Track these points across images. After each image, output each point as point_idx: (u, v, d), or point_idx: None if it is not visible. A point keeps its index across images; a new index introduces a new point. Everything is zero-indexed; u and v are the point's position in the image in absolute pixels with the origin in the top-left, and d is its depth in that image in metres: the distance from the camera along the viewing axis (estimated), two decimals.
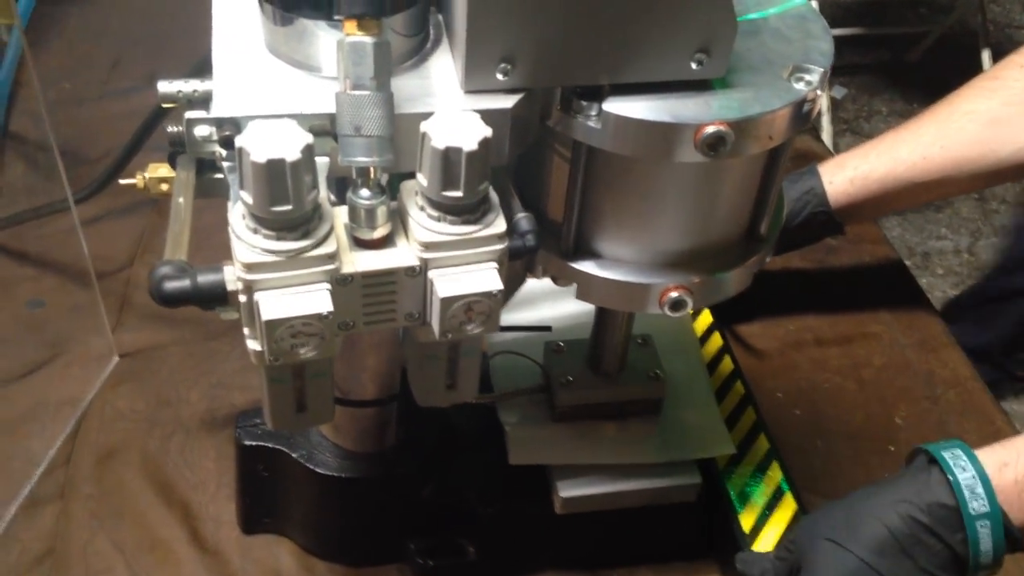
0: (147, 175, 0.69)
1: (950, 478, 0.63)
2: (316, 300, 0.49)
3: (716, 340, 0.93)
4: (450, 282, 0.51)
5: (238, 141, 0.46)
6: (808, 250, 1.03)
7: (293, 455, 0.76)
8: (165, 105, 0.64)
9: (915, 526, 0.63)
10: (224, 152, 0.51)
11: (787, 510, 0.79)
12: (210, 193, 0.65)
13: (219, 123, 0.50)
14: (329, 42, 0.53)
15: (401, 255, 0.51)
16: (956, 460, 0.64)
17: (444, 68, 0.55)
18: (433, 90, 0.53)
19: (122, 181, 0.72)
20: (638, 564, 0.81)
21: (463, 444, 0.80)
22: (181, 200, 0.61)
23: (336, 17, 0.48)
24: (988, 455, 0.64)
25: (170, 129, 0.56)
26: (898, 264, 1.13)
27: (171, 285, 0.50)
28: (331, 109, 0.51)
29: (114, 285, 1.01)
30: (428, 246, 0.50)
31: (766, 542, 0.77)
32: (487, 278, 0.51)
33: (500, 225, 0.51)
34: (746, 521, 0.78)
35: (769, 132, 0.56)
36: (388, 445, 0.77)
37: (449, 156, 0.48)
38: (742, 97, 0.55)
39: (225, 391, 0.94)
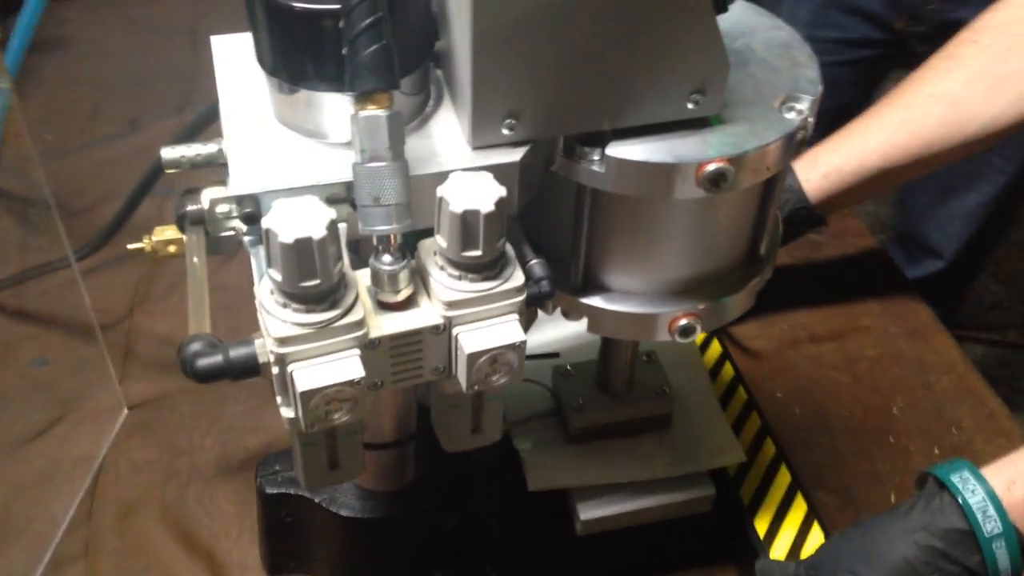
0: (154, 238, 0.70)
1: (961, 502, 0.65)
2: (348, 367, 0.50)
3: (715, 348, 0.95)
4: (475, 338, 0.52)
5: (265, 223, 0.47)
6: (794, 247, 1.05)
7: (316, 500, 0.78)
8: (169, 171, 0.65)
9: (932, 553, 0.65)
10: (245, 227, 0.52)
11: (799, 512, 0.81)
12: (217, 251, 0.66)
13: (239, 200, 0.52)
14: (338, 110, 0.54)
15: (425, 315, 0.52)
16: (965, 484, 0.66)
17: (449, 126, 0.57)
18: (441, 149, 0.55)
19: (130, 247, 0.73)
20: (659, 574, 0.84)
21: (480, 474, 0.81)
22: (196, 260, 0.62)
23: (347, 94, 0.49)
24: (994, 474, 0.66)
25: (190, 208, 0.57)
26: (881, 254, 1.16)
27: (204, 362, 0.51)
28: (346, 177, 0.52)
29: (115, 337, 1.02)
30: (451, 304, 0.52)
31: (782, 545, 0.79)
32: (510, 331, 0.53)
33: (519, 278, 0.53)
34: (761, 526, 0.81)
35: (766, 163, 0.58)
36: (408, 482, 0.78)
37: (467, 219, 0.50)
38: (738, 132, 0.57)
39: (238, 435, 0.95)
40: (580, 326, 0.85)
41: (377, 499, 0.77)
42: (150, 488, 0.90)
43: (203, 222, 0.64)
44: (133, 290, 1.08)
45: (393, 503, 0.77)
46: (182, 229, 0.67)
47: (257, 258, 0.53)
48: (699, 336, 0.94)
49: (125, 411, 0.96)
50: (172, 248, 0.70)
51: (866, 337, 1.05)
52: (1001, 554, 0.64)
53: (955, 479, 0.66)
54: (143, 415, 0.96)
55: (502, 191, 0.50)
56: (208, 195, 0.53)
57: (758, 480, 0.84)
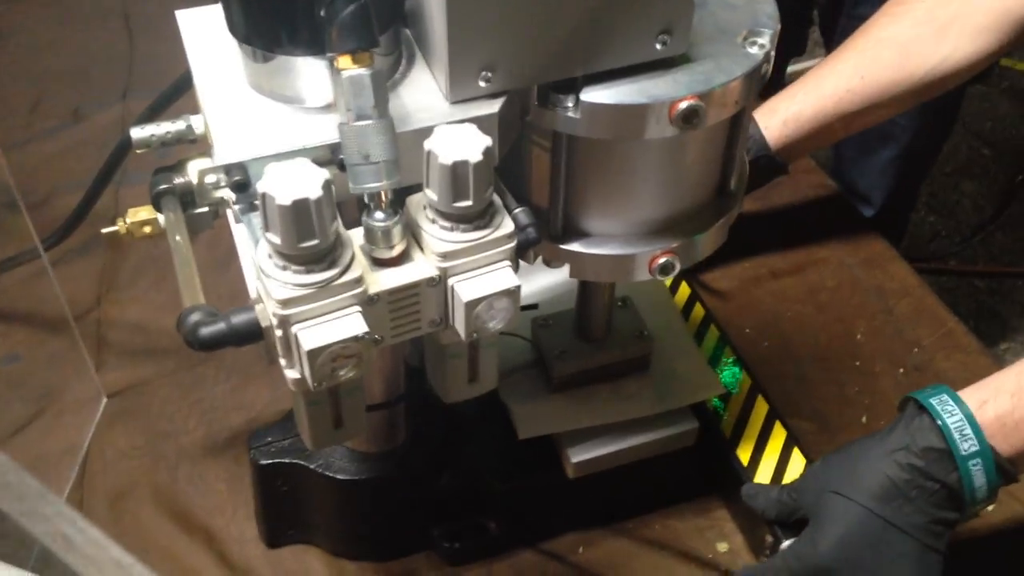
0: (129, 220, 0.69)
1: (939, 423, 0.68)
2: (351, 324, 0.51)
3: (684, 290, 0.98)
4: (470, 286, 0.54)
5: (261, 187, 0.48)
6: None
7: (311, 466, 0.79)
8: (139, 151, 0.65)
9: (912, 471, 0.68)
10: (235, 196, 0.53)
11: (779, 439, 0.84)
12: (194, 230, 0.66)
13: (227, 169, 0.52)
14: (314, 74, 0.55)
15: (420, 268, 0.54)
16: (943, 405, 0.68)
17: (424, 84, 0.57)
18: (419, 106, 0.56)
19: (104, 231, 0.72)
20: (650, 511, 0.86)
21: (469, 430, 0.83)
22: (179, 238, 0.63)
23: (329, 54, 0.50)
24: (969, 395, 0.69)
25: (176, 181, 0.57)
26: (833, 190, 1.19)
27: (207, 331, 0.52)
28: (330, 139, 0.53)
29: (86, 327, 1.01)
30: (445, 256, 0.53)
31: (765, 473, 0.82)
32: (504, 277, 0.54)
33: (508, 225, 0.54)
34: (743, 455, 0.84)
35: (735, 98, 0.60)
36: (400, 442, 0.80)
37: (457, 170, 0.51)
38: (706, 69, 0.59)
39: (221, 414, 0.95)
40: (555, 277, 0.88)
41: (371, 461, 0.79)
42: (139, 473, 0.90)
43: (181, 197, 0.65)
44: (98, 280, 1.07)
45: (387, 463, 0.79)
46: (158, 208, 0.67)
47: (249, 226, 0.53)
48: (668, 280, 0.98)
49: (104, 400, 0.96)
50: (147, 229, 0.70)
51: (825, 269, 1.08)
52: (977, 472, 0.67)
53: (934, 402, 0.69)
54: (123, 403, 0.96)
55: (488, 140, 0.51)
56: (195, 166, 0.53)
57: (737, 412, 0.87)
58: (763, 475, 0.82)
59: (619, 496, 0.85)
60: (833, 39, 1.41)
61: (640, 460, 0.82)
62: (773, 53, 0.62)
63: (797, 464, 0.82)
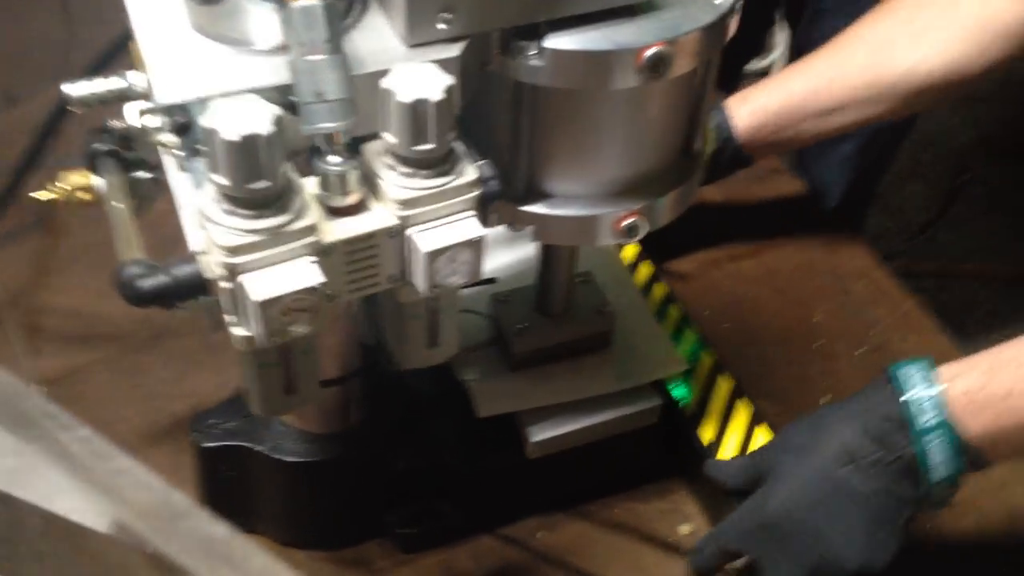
0: (63, 185, 0.66)
1: (900, 393, 0.66)
2: (306, 273, 0.48)
3: (645, 269, 0.96)
4: (432, 236, 0.51)
5: (204, 122, 0.44)
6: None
7: (257, 448, 0.75)
8: (73, 109, 0.61)
9: (869, 439, 0.66)
10: (179, 141, 0.49)
11: (743, 417, 0.82)
12: (132, 195, 0.63)
13: (169, 111, 0.49)
14: (260, 15, 0.52)
15: (379, 217, 0.51)
16: (908, 378, 0.66)
17: (378, 28, 0.54)
18: (375, 49, 0.53)
19: (33, 195, 0.68)
20: (613, 494, 0.84)
21: (426, 409, 0.80)
22: (117, 204, 0.59)
23: None
24: (942, 370, 0.66)
25: (113, 126, 0.53)
26: (790, 177, 1.18)
27: (147, 283, 0.48)
28: (278, 81, 0.50)
29: (19, 314, 0.96)
30: (405, 203, 0.50)
31: (729, 448, 0.80)
32: (468, 226, 0.51)
33: (472, 172, 0.52)
34: (706, 433, 0.81)
35: (704, 46, 0.58)
36: (354, 423, 0.76)
37: (417, 109, 0.48)
38: (673, 16, 0.57)
39: (162, 401, 0.90)
40: (513, 254, 0.85)
41: (323, 442, 0.75)
42: None
43: (119, 155, 0.61)
44: (32, 265, 1.02)
45: (341, 444, 0.75)
46: (94, 169, 0.64)
47: (193, 172, 0.50)
48: (628, 253, 0.96)
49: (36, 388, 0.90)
50: (83, 195, 0.66)
51: (782, 252, 1.07)
52: (934, 447, 0.64)
53: (900, 373, 0.67)
54: (59, 391, 0.91)
55: (449, 79, 0.49)
56: (135, 107, 0.49)
57: (699, 392, 0.85)
58: (726, 454, 0.80)
59: (580, 478, 0.83)
60: (796, 34, 1.40)
61: (601, 440, 0.80)
62: (740, 4, 0.60)
63: (761, 442, 0.80)
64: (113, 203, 0.60)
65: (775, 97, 0.93)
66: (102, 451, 0.32)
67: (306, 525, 0.80)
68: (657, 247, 0.99)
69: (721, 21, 0.58)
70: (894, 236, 2.28)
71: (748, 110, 0.93)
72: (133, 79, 0.58)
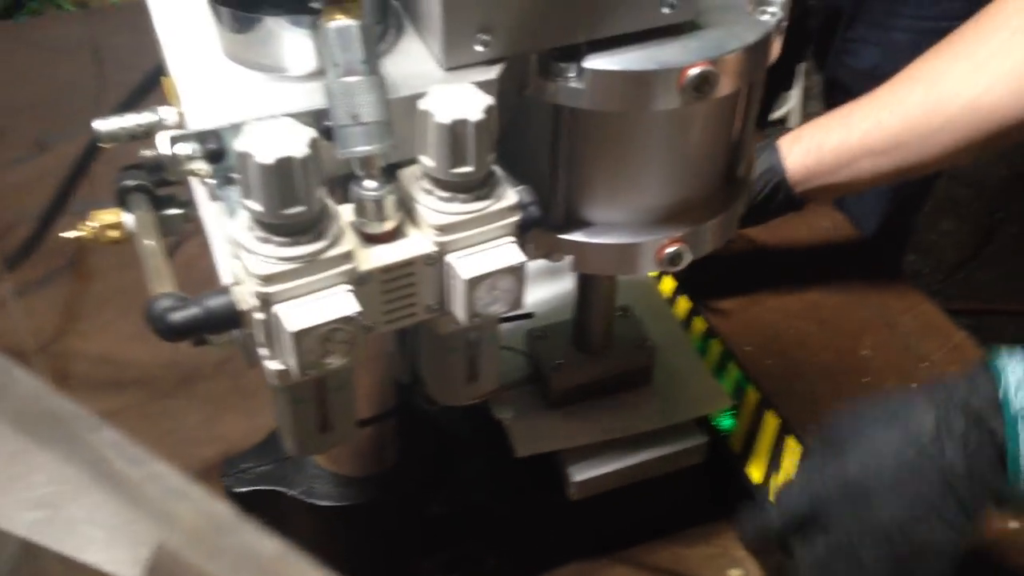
0: (93, 224, 0.64)
1: (996, 376, 0.61)
2: (342, 303, 0.46)
3: (684, 303, 0.93)
4: (472, 263, 0.49)
5: (238, 145, 0.43)
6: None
7: (291, 493, 0.72)
8: (103, 145, 0.60)
9: (960, 414, 0.62)
10: (211, 169, 0.48)
11: (793, 455, 0.79)
12: (165, 233, 0.61)
13: (201, 137, 0.47)
14: (295, 40, 0.50)
15: (417, 244, 0.49)
16: (1007, 359, 0.62)
17: (415, 53, 0.53)
18: (411, 73, 0.51)
19: (64, 235, 0.67)
20: (657, 538, 0.80)
21: (462, 450, 0.77)
22: (148, 241, 0.58)
23: (314, 4, 0.46)
24: None
25: (143, 153, 0.52)
26: (824, 206, 1.15)
27: (179, 316, 0.46)
28: (314, 105, 0.49)
29: (49, 359, 0.95)
30: (444, 229, 0.48)
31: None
32: (508, 252, 0.49)
33: (512, 196, 0.50)
34: (755, 473, 0.78)
35: (749, 66, 0.56)
36: (389, 464, 0.74)
37: (456, 131, 0.46)
38: (716, 35, 0.55)
39: (192, 447, 0.88)
40: (551, 289, 0.83)
41: (356, 485, 0.72)
42: None
43: (150, 192, 0.60)
44: (62, 311, 1.01)
45: (375, 487, 0.73)
46: (124, 206, 0.63)
47: (226, 200, 0.48)
48: (671, 286, 0.94)
49: None
50: (113, 233, 0.65)
51: (827, 286, 1.04)
52: None
53: (999, 360, 0.62)
54: None
55: (488, 98, 0.47)
56: (166, 136, 0.48)
57: (745, 429, 0.82)
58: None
59: (622, 521, 0.79)
60: (826, 65, 1.38)
61: (645, 480, 0.77)
62: (785, 24, 0.58)
63: None
64: (144, 240, 0.59)
65: (832, 135, 0.88)
66: (135, 456, 0.29)
67: (341, 569, 0.77)
68: (692, 283, 0.97)
69: (766, 40, 0.56)
70: (929, 275, 2.24)
71: (802, 149, 0.89)
72: (164, 113, 0.58)
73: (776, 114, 2.72)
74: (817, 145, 0.88)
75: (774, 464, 0.79)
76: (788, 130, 0.92)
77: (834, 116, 0.90)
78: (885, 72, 1.31)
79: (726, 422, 0.80)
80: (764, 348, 0.96)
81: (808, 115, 2.78)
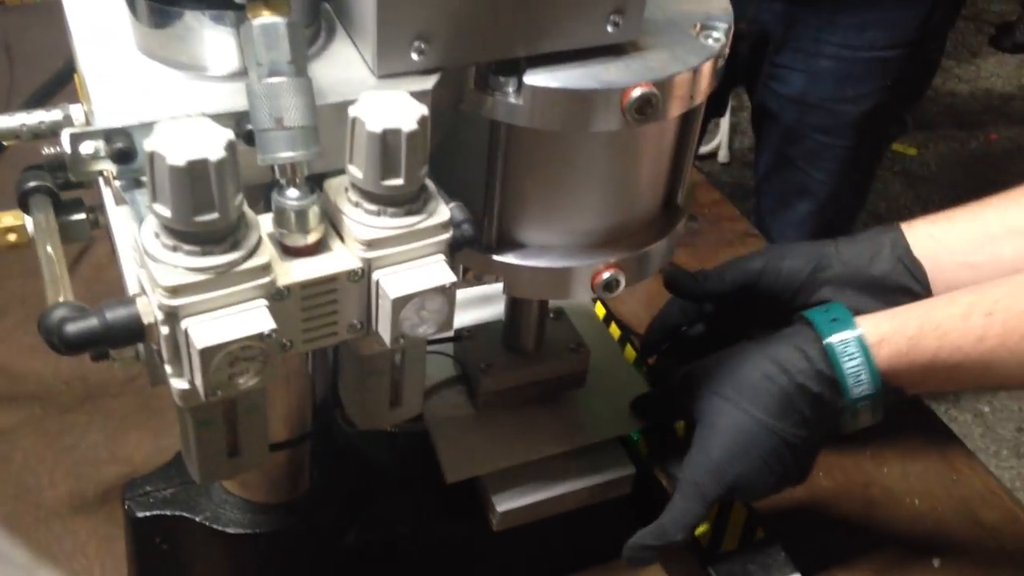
0: None
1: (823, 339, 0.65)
2: (255, 319, 0.43)
3: (613, 330, 0.91)
4: (399, 281, 0.46)
5: (148, 145, 0.39)
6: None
7: (196, 519, 0.68)
8: (5, 142, 0.56)
9: (798, 354, 0.65)
10: (117, 170, 0.44)
11: None
12: (67, 238, 0.57)
13: (108, 136, 0.43)
14: (216, 37, 0.47)
15: (341, 259, 0.46)
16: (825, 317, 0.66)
17: (347, 58, 0.50)
18: (341, 79, 0.48)
19: None
20: (582, 568, 0.78)
21: (381, 477, 0.74)
22: (49, 249, 0.53)
23: (238, 0, 0.43)
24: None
25: (46, 151, 0.48)
26: (757, 237, 1.15)
27: (75, 327, 0.43)
28: (233, 107, 0.45)
29: None
30: (371, 244, 0.45)
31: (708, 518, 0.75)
32: (438, 271, 0.47)
33: (444, 213, 0.47)
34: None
35: (692, 90, 0.54)
36: (302, 491, 0.70)
37: (387, 140, 0.43)
38: (660, 57, 0.54)
39: (91, 467, 0.84)
40: (479, 312, 0.80)
41: (268, 512, 0.69)
42: None
43: (51, 193, 0.56)
44: None
45: (286, 515, 0.69)
46: (25, 208, 0.58)
47: (133, 204, 0.45)
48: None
49: None
50: (12, 237, 0.61)
51: None
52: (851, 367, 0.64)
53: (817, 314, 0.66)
54: None
55: (423, 108, 0.44)
56: (67, 133, 0.44)
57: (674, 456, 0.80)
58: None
59: (548, 552, 0.77)
60: (755, 92, 1.39)
61: (572, 510, 0.74)
62: (728, 49, 0.57)
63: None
64: (43, 245, 0.55)
65: (961, 228, 0.75)
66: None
67: None
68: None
69: (712, 64, 0.55)
70: None
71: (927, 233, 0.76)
72: (72, 111, 0.54)
73: (705, 148, 2.75)
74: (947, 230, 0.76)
75: None
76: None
77: (960, 210, 0.76)
78: (811, 99, 1.32)
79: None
80: None
81: (735, 151, 2.82)
